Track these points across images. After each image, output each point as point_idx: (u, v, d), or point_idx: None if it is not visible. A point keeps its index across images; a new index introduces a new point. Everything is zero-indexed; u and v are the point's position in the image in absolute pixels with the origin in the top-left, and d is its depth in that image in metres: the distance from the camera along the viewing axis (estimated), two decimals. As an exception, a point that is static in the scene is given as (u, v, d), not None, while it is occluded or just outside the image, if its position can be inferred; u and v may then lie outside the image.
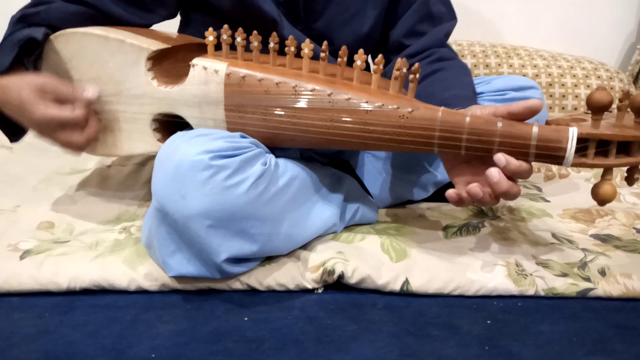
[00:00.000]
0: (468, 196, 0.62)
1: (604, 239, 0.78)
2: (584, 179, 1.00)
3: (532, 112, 0.60)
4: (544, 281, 0.67)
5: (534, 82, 0.87)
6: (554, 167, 1.03)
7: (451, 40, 1.41)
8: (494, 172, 0.60)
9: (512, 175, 0.60)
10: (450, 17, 0.87)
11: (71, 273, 0.68)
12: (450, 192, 0.64)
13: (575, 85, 1.33)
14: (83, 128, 0.70)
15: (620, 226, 0.81)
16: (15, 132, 0.76)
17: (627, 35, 1.50)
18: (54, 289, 0.67)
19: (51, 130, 0.69)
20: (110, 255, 0.71)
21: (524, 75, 1.32)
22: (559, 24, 1.48)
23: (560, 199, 0.92)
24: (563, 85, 1.33)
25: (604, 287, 0.67)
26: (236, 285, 0.67)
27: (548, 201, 0.91)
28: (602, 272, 0.69)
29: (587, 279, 0.68)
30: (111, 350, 0.57)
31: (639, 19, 1.48)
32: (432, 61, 0.79)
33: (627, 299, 0.66)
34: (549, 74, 1.34)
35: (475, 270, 0.69)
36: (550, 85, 1.33)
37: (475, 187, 0.61)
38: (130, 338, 0.59)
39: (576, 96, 1.32)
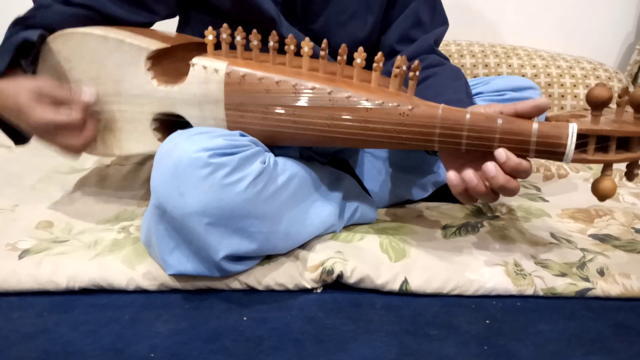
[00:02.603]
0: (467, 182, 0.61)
1: (603, 238, 0.78)
2: (582, 179, 1.00)
3: (539, 110, 0.60)
4: (543, 281, 0.67)
5: (532, 82, 0.87)
6: (553, 167, 1.03)
7: (450, 40, 1.42)
8: (490, 166, 0.60)
9: (511, 172, 0.60)
10: (441, 23, 0.86)
11: (70, 272, 0.67)
12: (450, 174, 0.62)
13: (574, 86, 1.33)
14: (81, 131, 0.71)
15: (618, 226, 0.81)
16: (20, 136, 0.76)
17: (626, 36, 1.50)
18: (52, 288, 0.67)
19: (49, 133, 0.69)
20: (109, 255, 0.71)
21: (523, 76, 1.32)
22: (558, 24, 1.48)
23: (559, 198, 0.92)
24: (562, 85, 1.33)
25: (602, 287, 0.67)
26: (235, 284, 0.67)
27: (547, 201, 0.91)
28: (601, 272, 0.69)
29: (586, 279, 0.68)
30: (110, 349, 0.57)
31: (637, 19, 1.48)
32: (422, 68, 0.79)
33: (625, 299, 0.66)
34: (548, 74, 1.34)
35: (474, 270, 0.69)
36: (549, 85, 1.33)
37: (469, 173, 0.61)
38: (129, 337, 0.59)
39: (575, 96, 1.33)
